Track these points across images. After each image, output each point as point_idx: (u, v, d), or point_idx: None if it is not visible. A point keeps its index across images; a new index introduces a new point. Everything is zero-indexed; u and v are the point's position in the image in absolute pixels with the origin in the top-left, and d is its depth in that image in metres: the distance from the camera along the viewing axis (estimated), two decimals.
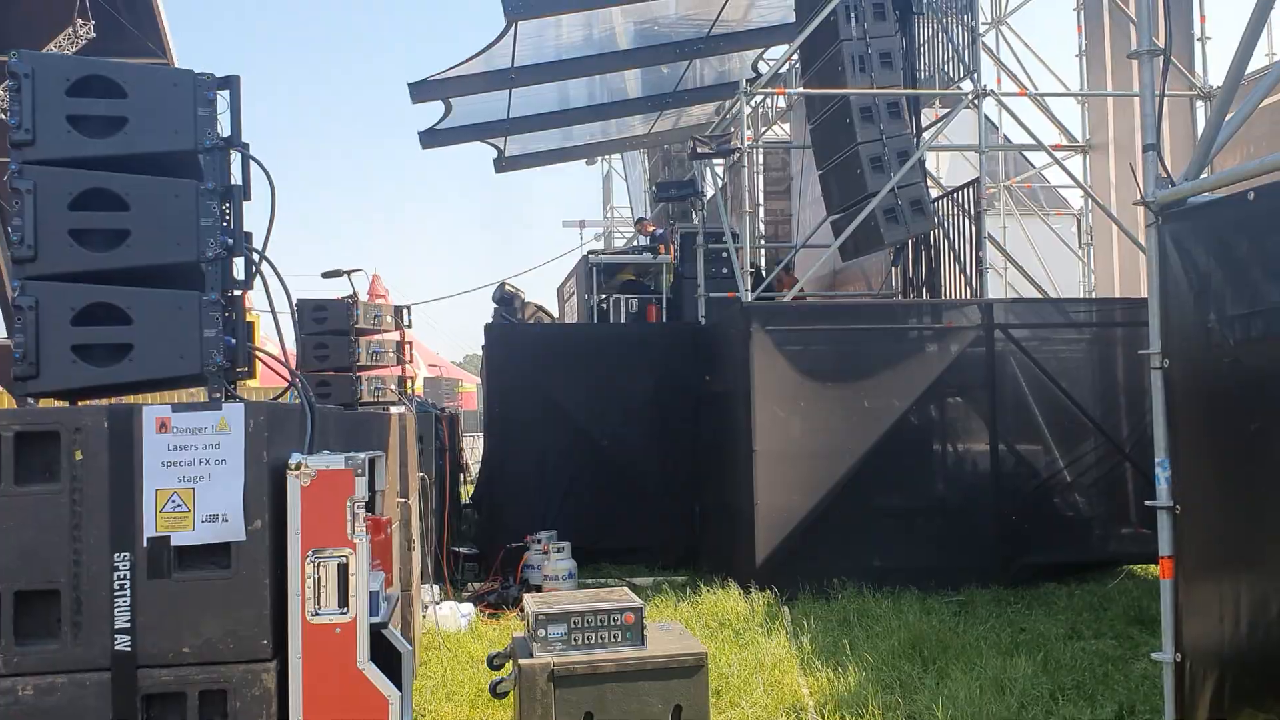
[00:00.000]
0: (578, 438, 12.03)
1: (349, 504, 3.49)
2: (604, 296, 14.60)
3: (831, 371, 10.18)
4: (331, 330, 8.46)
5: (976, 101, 10.84)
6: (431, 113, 15.19)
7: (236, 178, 3.89)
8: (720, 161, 14.26)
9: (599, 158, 23.52)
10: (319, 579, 3.46)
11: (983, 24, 12.05)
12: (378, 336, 8.98)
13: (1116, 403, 10.62)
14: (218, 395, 3.60)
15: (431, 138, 15.81)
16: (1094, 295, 13.39)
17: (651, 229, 16.40)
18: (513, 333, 13.23)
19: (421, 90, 13.57)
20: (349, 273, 8.64)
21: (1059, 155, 12.03)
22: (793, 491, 10.00)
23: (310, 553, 3.46)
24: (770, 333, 10.10)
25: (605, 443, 12.09)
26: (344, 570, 3.47)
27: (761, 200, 15.84)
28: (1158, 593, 9.19)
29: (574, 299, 16.22)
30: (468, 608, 9.37)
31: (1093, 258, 13.71)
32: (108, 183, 3.57)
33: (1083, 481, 10.48)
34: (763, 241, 15.71)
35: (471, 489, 16.17)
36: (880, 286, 12.89)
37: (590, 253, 15.76)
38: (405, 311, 9.35)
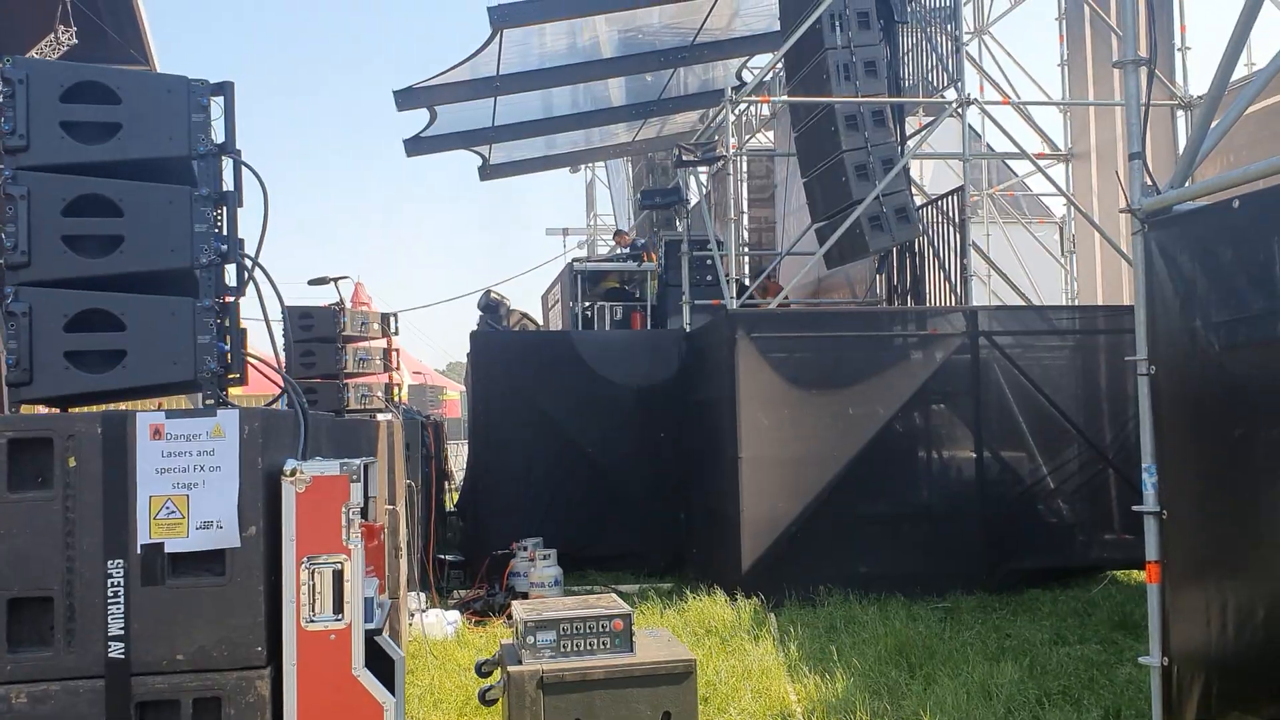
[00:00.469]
0: (563, 445, 12.03)
1: (344, 510, 3.49)
2: (588, 304, 14.61)
3: (817, 378, 10.21)
4: (318, 337, 8.45)
5: (960, 110, 10.92)
6: (418, 120, 15.19)
7: (228, 184, 3.89)
8: (704, 169, 14.30)
9: (582, 166, 23.55)
10: (314, 585, 3.45)
11: (965, 33, 12.13)
12: (364, 344, 8.97)
13: (1099, 409, 10.69)
14: (212, 402, 3.59)
15: (416, 145, 15.80)
16: (1077, 303, 13.48)
17: (629, 241, 16.42)
18: (498, 340, 13.21)
19: (406, 98, 13.56)
20: (335, 280, 8.63)
21: (1042, 163, 12.13)
22: (778, 498, 10.01)
23: (305, 559, 3.46)
24: (755, 340, 10.12)
25: (590, 450, 12.09)
26: (339, 577, 3.47)
27: (745, 208, 15.89)
28: (1141, 598, 9.29)
29: (559, 306, 16.23)
30: (454, 615, 9.36)
31: (1075, 265, 13.82)
32: (102, 189, 3.56)
33: (1066, 488, 10.54)
34: (746, 249, 15.75)
35: (456, 497, 16.14)
36: (865, 294, 12.95)
37: (575, 260, 15.77)
38: (392, 319, 9.34)
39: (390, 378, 9.51)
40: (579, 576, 11.30)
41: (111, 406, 3.77)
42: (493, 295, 14.26)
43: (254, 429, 3.44)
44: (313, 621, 3.45)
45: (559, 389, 12.12)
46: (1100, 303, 13.03)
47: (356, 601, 3.48)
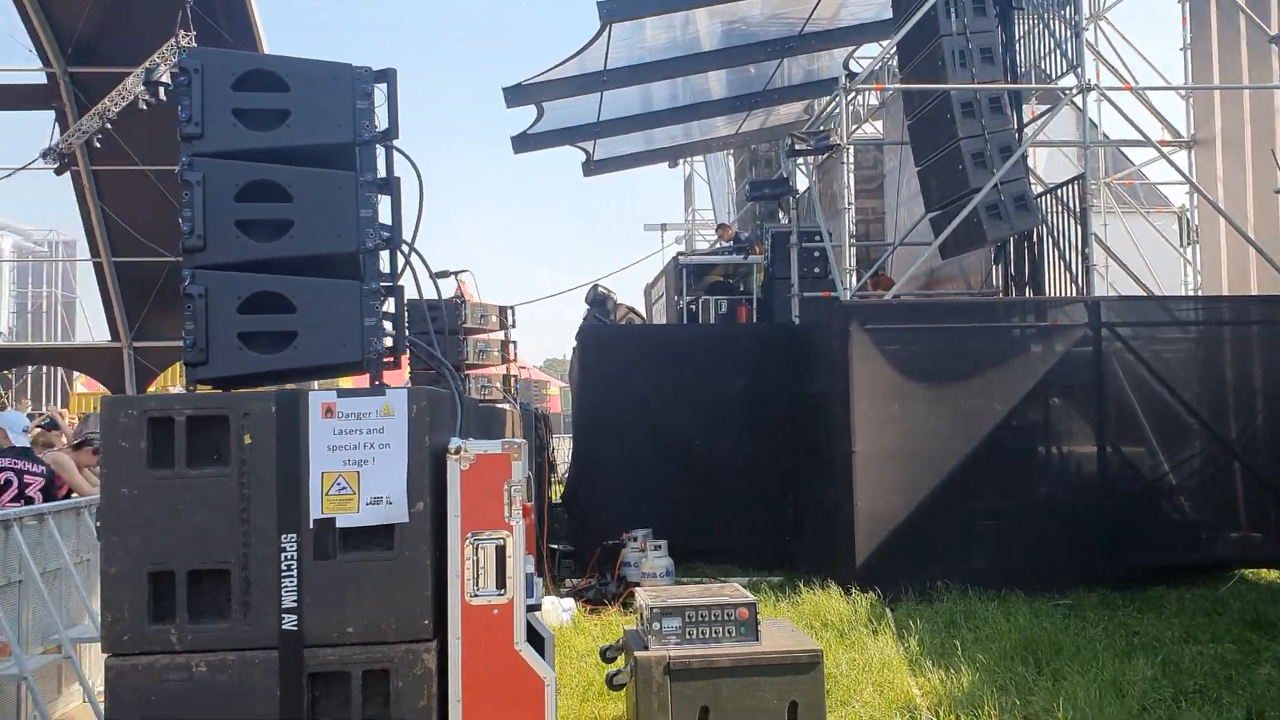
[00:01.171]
0: (669, 438, 12.03)
1: (506, 487, 3.54)
2: (693, 298, 14.58)
3: (932, 371, 10.07)
4: (440, 330, 8.57)
5: (1080, 96, 10.67)
6: (523, 117, 15.30)
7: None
8: (810, 160, 14.17)
9: (682, 160, 23.54)
10: (478, 561, 3.51)
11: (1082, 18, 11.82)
12: (484, 336, 9.10)
13: (1225, 403, 10.37)
14: (379, 382, 3.66)
15: (523, 143, 15.93)
16: (1200, 293, 13.07)
17: (732, 234, 16.34)
18: (605, 334, 13.27)
19: (516, 95, 13.68)
20: (457, 274, 8.76)
21: (1164, 150, 11.78)
22: (893, 493, 9.90)
23: (469, 535, 3.52)
24: (869, 331, 10.02)
25: (696, 443, 12.08)
26: (501, 552, 3.52)
27: (852, 199, 15.67)
28: (1275, 597, 9.00)
29: (662, 301, 16.23)
30: (568, 603, 9.45)
31: (1198, 255, 13.39)
32: (272, 174, 3.66)
33: (1190, 484, 10.25)
34: (853, 240, 15.53)
35: (560, 489, 16.27)
36: (979, 285, 12.72)
37: (680, 254, 15.75)
38: (509, 312, 9.45)
39: (509, 368, 9.63)
40: (686, 569, 11.29)
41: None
42: (600, 289, 14.31)
43: (421, 408, 3.51)
44: (476, 596, 3.51)
45: (665, 382, 12.12)
46: (1225, 293, 12.61)
47: (519, 577, 3.53)
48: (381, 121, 3.81)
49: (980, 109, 10.51)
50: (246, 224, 3.65)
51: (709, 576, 10.99)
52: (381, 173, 3.90)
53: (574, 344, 13.75)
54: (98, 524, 7.24)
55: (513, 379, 9.86)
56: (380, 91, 3.77)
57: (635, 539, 10.90)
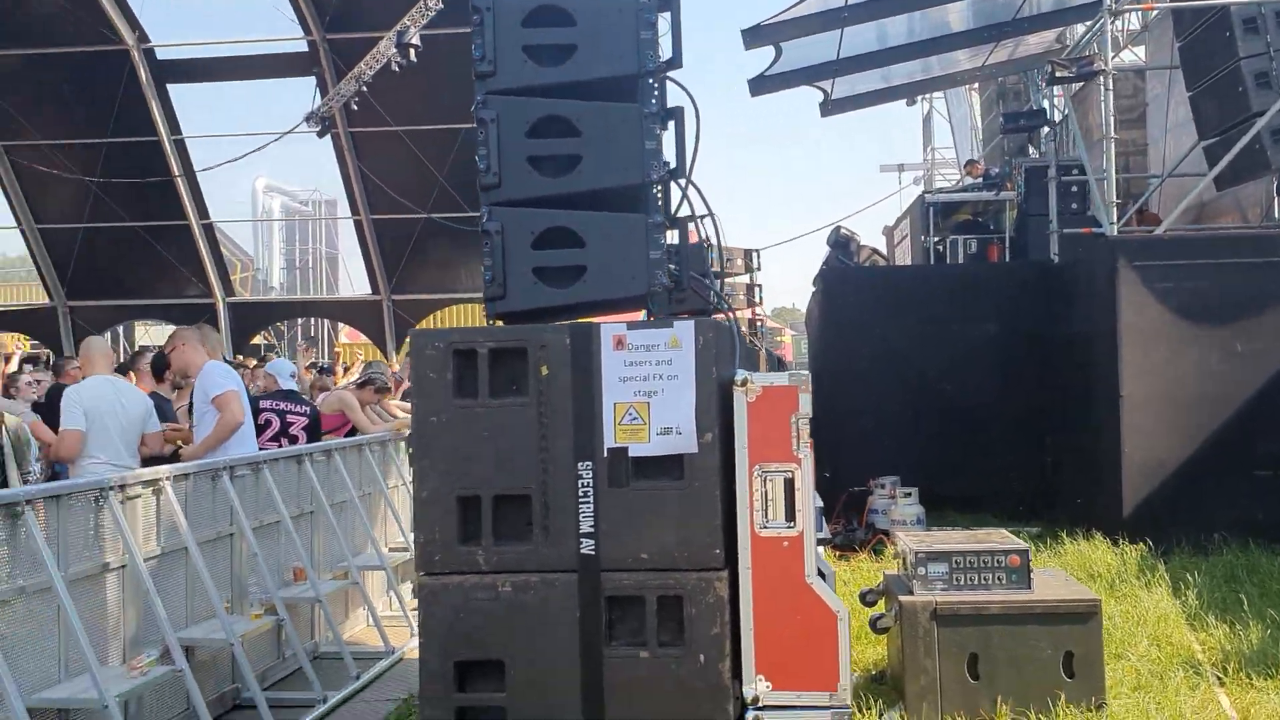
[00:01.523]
0: (916, 382, 11.69)
1: (793, 420, 3.52)
2: (939, 238, 14.11)
3: (1207, 310, 9.39)
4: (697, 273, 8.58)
5: None
6: (760, 60, 15.07)
7: None
8: (1065, 90, 13.37)
9: (919, 98, 22.69)
10: (766, 493, 3.51)
11: None
12: (729, 279, 9.05)
13: None
14: (663, 315, 3.70)
15: (760, 84, 15.66)
16: None
17: (981, 170, 15.67)
18: (848, 276, 13.03)
19: (755, 36, 13.44)
20: (702, 218, 8.71)
21: None
22: (1163, 439, 9.34)
23: (757, 466, 3.51)
24: (1139, 269, 9.42)
25: (944, 387, 11.69)
26: (790, 485, 3.51)
27: (1114, 130, 14.72)
28: None
29: (906, 241, 15.78)
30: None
31: None
32: (561, 109, 3.72)
33: None
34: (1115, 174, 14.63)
35: None
36: (1259, 219, 11.74)
37: (926, 192, 15.27)
38: (755, 255, 9.35)
39: (754, 312, 9.55)
40: (937, 516, 10.97)
41: None
42: (843, 231, 14.04)
43: (708, 340, 3.53)
44: (766, 528, 3.51)
45: (911, 325, 11.77)
46: None
47: (808, 510, 3.51)
48: (664, 52, 3.79)
49: (1266, 24, 9.63)
50: (538, 160, 3.73)
51: (960, 526, 10.67)
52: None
53: (814, 287, 13.54)
54: (409, 451, 7.71)
55: (759, 322, 9.79)
56: (663, 21, 3.75)
57: (883, 486, 10.69)
